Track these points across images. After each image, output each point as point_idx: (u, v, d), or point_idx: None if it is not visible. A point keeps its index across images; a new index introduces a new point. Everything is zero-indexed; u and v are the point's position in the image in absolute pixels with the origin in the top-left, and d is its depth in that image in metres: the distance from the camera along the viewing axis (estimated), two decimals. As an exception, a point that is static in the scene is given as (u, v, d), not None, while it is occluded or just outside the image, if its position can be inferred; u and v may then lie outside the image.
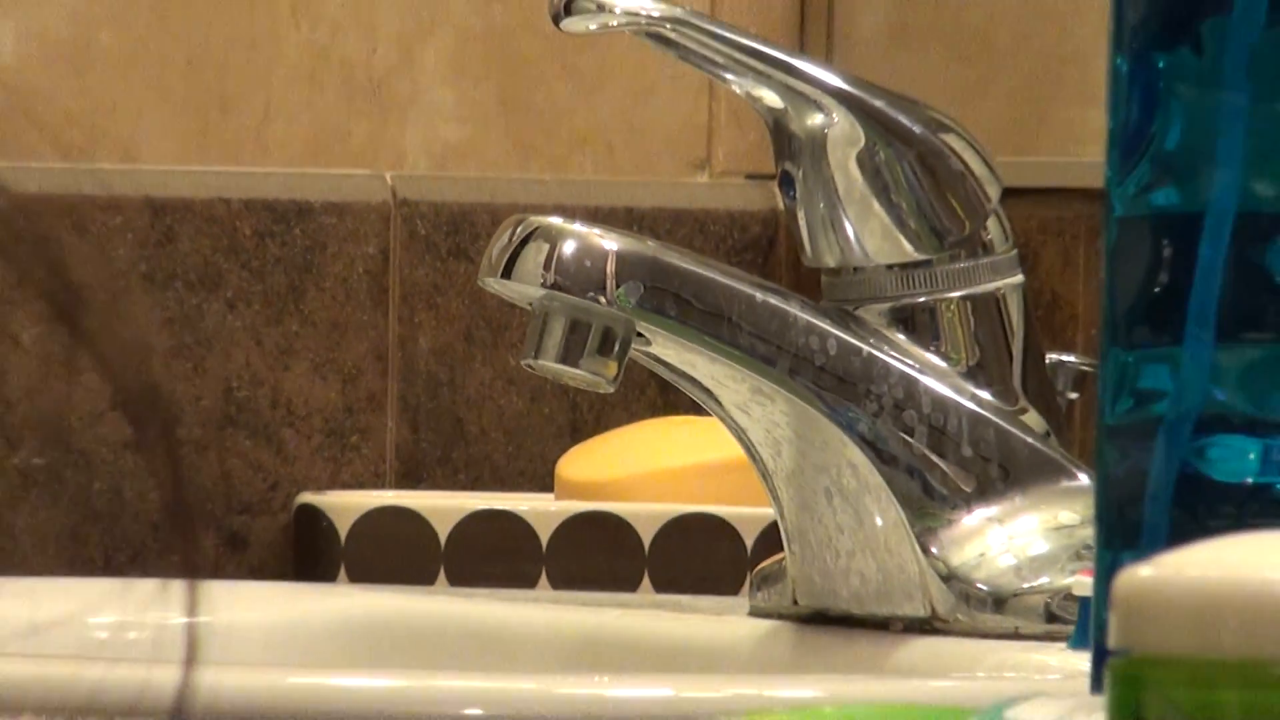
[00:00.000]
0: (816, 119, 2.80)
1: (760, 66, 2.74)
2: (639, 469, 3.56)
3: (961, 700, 2.24)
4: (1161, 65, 1.60)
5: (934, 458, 2.72)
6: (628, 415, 3.58)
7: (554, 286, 2.65)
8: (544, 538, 3.82)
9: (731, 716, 2.29)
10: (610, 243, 2.73)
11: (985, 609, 2.65)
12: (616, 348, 2.72)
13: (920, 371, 2.72)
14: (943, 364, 2.74)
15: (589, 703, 2.31)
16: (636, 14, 2.73)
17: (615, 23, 2.74)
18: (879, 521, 2.71)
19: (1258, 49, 1.58)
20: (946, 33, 3.86)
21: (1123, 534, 1.60)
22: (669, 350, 2.75)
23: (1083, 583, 2.28)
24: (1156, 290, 1.62)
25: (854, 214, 2.75)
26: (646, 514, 3.55)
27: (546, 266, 2.65)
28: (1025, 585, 2.63)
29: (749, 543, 3.44)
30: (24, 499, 3.73)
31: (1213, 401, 1.63)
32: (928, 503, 2.72)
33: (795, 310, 2.70)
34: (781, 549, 2.82)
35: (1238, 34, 1.61)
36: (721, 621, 2.92)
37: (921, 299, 2.75)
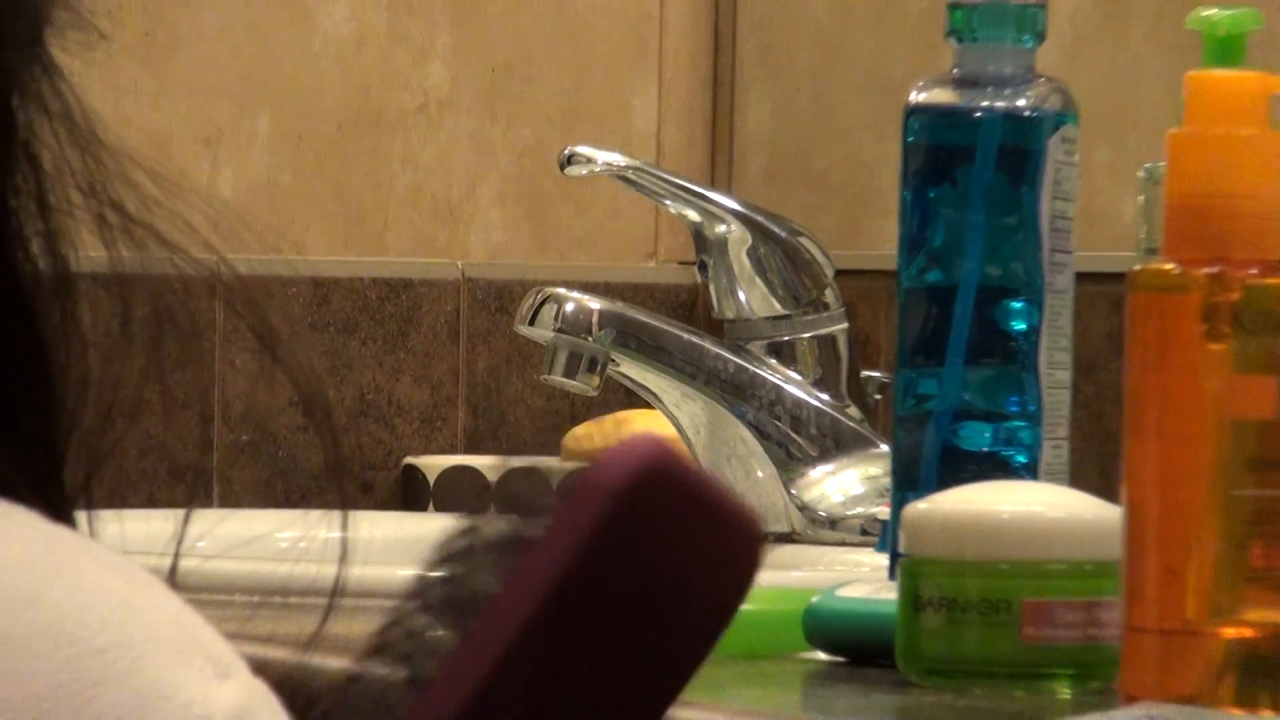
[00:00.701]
0: (721, 228, 3.61)
1: (687, 196, 3.61)
2: (612, 440, 3.74)
3: (810, 584, 2.68)
4: (931, 195, 2.57)
5: (793, 435, 3.49)
6: (605, 409, 4.17)
7: (559, 331, 3.48)
8: (554, 483, 4.74)
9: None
10: (595, 304, 3.60)
11: (825, 528, 3.43)
12: (598, 368, 3.48)
13: (785, 383, 3.52)
14: (799, 378, 3.52)
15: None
16: (611, 164, 3.59)
17: (598, 170, 3.59)
18: (760, 475, 3.46)
19: (990, 187, 2.56)
20: (802, 173, 4.48)
21: (908, 482, 2.52)
22: (631, 370, 3.56)
23: (884, 512, 2.75)
24: (928, 333, 2.61)
25: (744, 286, 3.56)
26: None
27: (555, 318, 3.53)
28: (849, 513, 3.41)
29: None
30: (238, 462, 4.47)
31: (963, 402, 2.56)
32: (789, 463, 3.50)
33: (709, 345, 3.55)
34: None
35: (978, 177, 2.56)
36: None
37: (785, 338, 3.56)
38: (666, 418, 3.46)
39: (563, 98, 4.51)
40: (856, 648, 2.34)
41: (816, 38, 4.18)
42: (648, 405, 3.60)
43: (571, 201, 4.27)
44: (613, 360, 3.40)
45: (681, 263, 4.04)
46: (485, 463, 4.22)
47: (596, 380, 3.48)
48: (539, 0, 4.77)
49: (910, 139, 2.60)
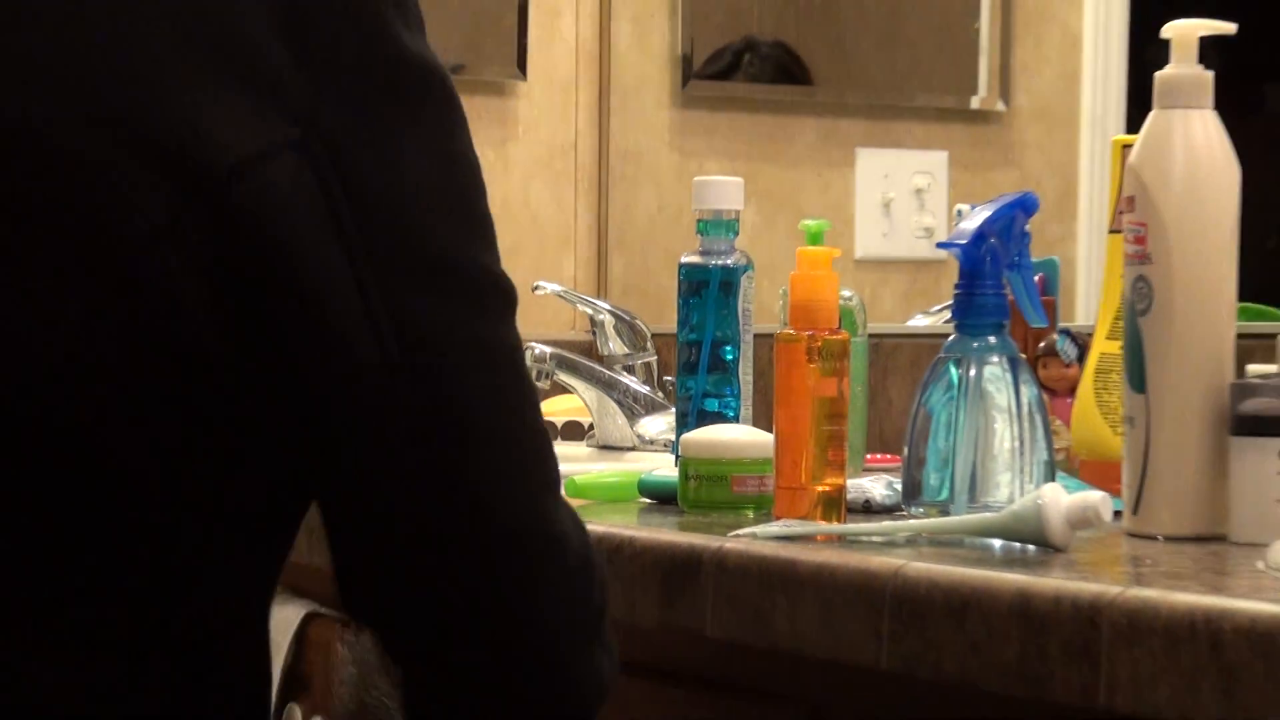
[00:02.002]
0: (601, 316, 3.41)
1: (587, 303, 3.51)
2: (554, 410, 3.56)
3: (641, 469, 2.51)
4: (692, 301, 2.54)
5: (634, 404, 3.27)
6: (547, 396, 3.47)
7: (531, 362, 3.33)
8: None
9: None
10: (546, 347, 3.27)
11: (648, 446, 3.17)
12: (546, 377, 3.24)
13: (631, 382, 3.32)
14: (637, 381, 3.34)
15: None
16: (554, 290, 3.48)
17: (549, 291, 3.45)
18: (619, 421, 3.24)
19: (715, 298, 2.48)
20: (637, 290, 3.85)
21: (684, 426, 2.59)
22: (563, 377, 3.31)
23: (671, 437, 2.73)
24: (689, 360, 2.60)
25: (612, 340, 3.37)
26: (557, 421, 3.57)
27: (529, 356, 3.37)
28: (661, 438, 3.14)
29: (584, 427, 3.52)
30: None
31: (705, 390, 2.57)
32: (632, 418, 3.24)
33: (598, 366, 3.36)
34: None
35: (711, 293, 2.52)
36: (562, 446, 3.21)
37: (630, 364, 3.37)
38: (580, 399, 3.34)
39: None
40: (660, 496, 2.34)
41: (650, 236, 3.73)
42: (567, 393, 3.38)
43: (537, 305, 3.56)
44: (555, 373, 3.23)
45: (586, 330, 3.59)
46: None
47: (547, 384, 3.29)
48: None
49: (682, 276, 2.56)
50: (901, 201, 3.33)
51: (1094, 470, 2.26)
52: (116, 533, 1.40)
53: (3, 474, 1.38)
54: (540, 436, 1.54)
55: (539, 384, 3.39)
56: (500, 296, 1.49)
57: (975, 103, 3.32)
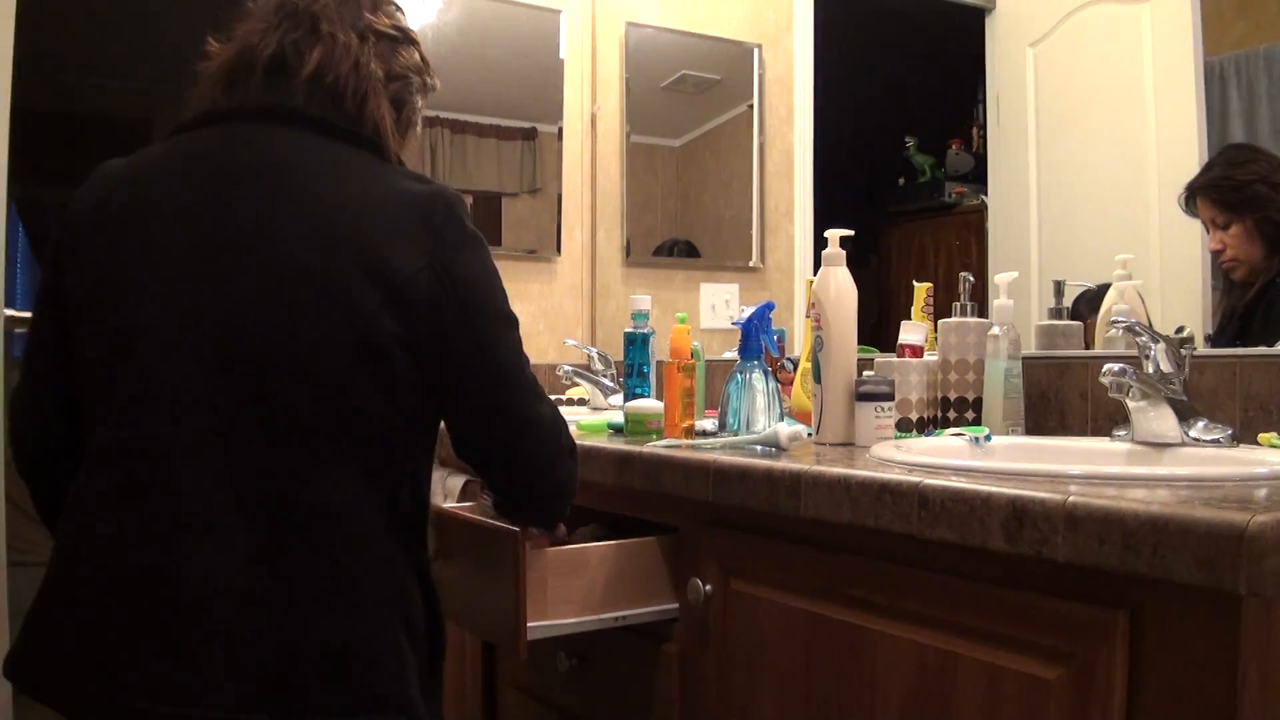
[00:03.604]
0: (593, 357, 3.09)
1: (582, 351, 3.12)
2: (573, 393, 3.24)
3: (608, 418, 2.26)
4: (634, 362, 2.59)
5: (609, 391, 2.99)
6: (566, 389, 3.25)
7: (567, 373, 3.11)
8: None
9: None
10: (569, 367, 3.08)
11: (614, 408, 2.76)
12: (569, 380, 3.05)
13: (606, 381, 3.03)
14: (609, 380, 3.03)
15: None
16: (569, 368, 3.21)
17: (568, 369, 3.29)
18: (601, 398, 2.97)
19: (643, 360, 2.45)
20: (611, 342, 3.46)
21: (627, 398, 2.31)
22: (577, 380, 3.04)
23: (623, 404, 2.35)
24: (629, 372, 2.55)
25: (600, 369, 3.08)
26: (574, 398, 3.18)
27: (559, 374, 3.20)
28: (616, 405, 2.76)
29: (586, 401, 3.09)
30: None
31: (636, 386, 2.44)
32: (607, 396, 2.98)
33: (592, 374, 3.05)
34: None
35: (640, 355, 2.35)
36: (575, 410, 2.86)
37: (606, 373, 3.06)
38: (584, 389, 3.05)
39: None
40: (617, 430, 2.17)
41: (613, 321, 3.38)
42: (578, 386, 3.14)
43: (567, 350, 3.37)
44: (572, 378, 3.03)
45: (586, 360, 3.24)
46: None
47: (570, 383, 3.11)
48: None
49: (626, 337, 2.41)
50: (719, 306, 3.21)
51: (801, 416, 2.19)
52: (373, 431, 1.38)
53: (330, 407, 1.35)
54: (531, 378, 1.52)
55: (565, 383, 3.13)
56: (515, 324, 1.50)
57: (750, 263, 3.14)
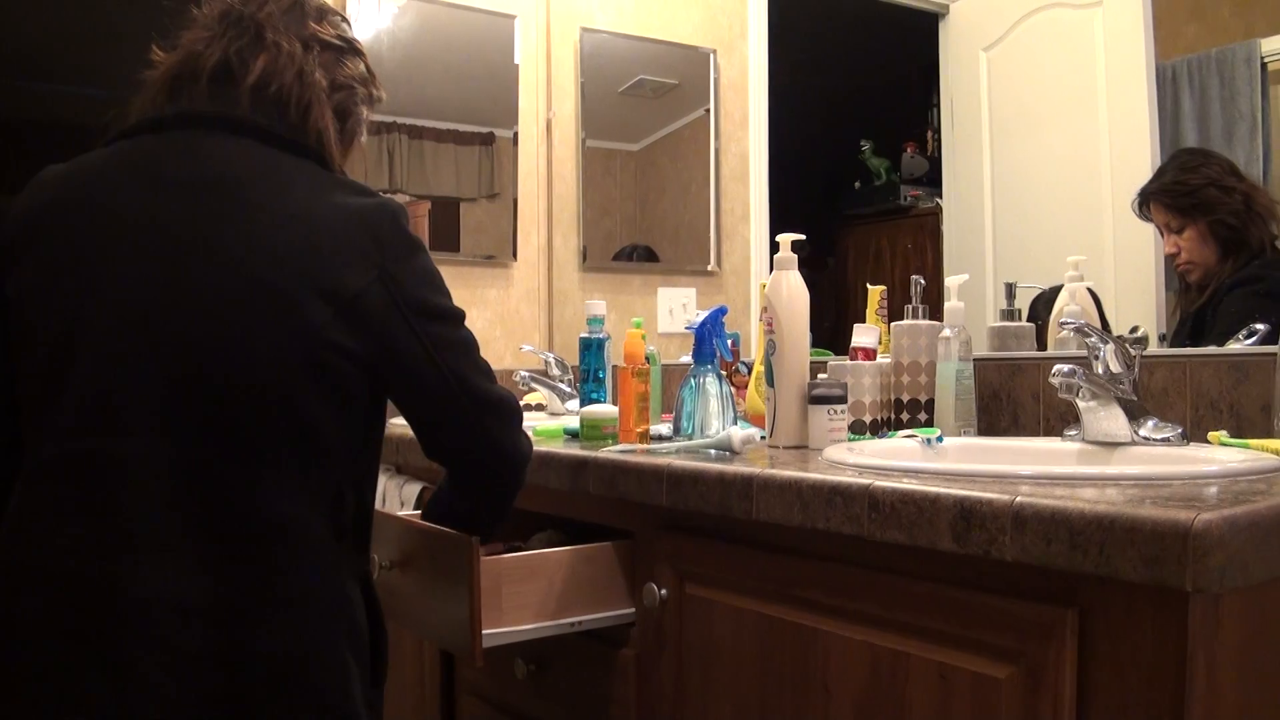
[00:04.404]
0: (549, 362, 3.04)
1: (539, 357, 3.05)
2: (531, 399, 3.16)
3: (564, 423, 2.27)
4: (588, 367, 2.44)
5: (566, 396, 2.91)
6: (524, 395, 3.19)
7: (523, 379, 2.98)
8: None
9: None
10: (527, 373, 2.95)
11: (572, 416, 2.75)
12: (526, 386, 2.94)
13: (563, 386, 2.97)
14: (566, 385, 2.96)
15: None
16: (524, 373, 3.18)
17: (524, 374, 3.08)
18: (558, 403, 2.89)
19: (598, 366, 2.22)
20: (568, 349, 3.43)
21: (584, 403, 2.17)
22: (535, 385, 2.96)
23: (578, 410, 2.18)
24: (585, 377, 2.52)
25: (558, 374, 3.02)
26: (532, 403, 3.09)
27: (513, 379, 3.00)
28: (572, 409, 2.68)
29: (544, 406, 3.05)
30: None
31: (591, 390, 2.40)
32: (564, 401, 2.90)
33: (550, 380, 2.99)
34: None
35: (596, 359, 2.33)
36: (534, 415, 2.82)
37: (564, 379, 3.02)
38: (541, 394, 3.03)
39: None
40: (574, 435, 2.17)
41: (570, 326, 3.35)
42: (535, 392, 3.08)
43: (523, 356, 3.32)
44: (530, 384, 2.93)
45: (543, 365, 3.11)
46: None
47: (527, 389, 3.05)
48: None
49: (582, 343, 2.31)
50: (677, 310, 3.20)
51: (754, 419, 2.18)
52: (320, 445, 1.38)
53: (278, 420, 1.35)
54: (481, 364, 1.51)
55: (522, 389, 3.06)
56: (460, 316, 1.50)
57: (707, 267, 3.15)
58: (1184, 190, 1.90)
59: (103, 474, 1.29)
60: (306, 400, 1.35)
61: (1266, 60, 1.81)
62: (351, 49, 1.56)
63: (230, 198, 1.36)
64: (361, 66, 1.56)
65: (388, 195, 1.46)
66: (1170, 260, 1.93)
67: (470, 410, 1.48)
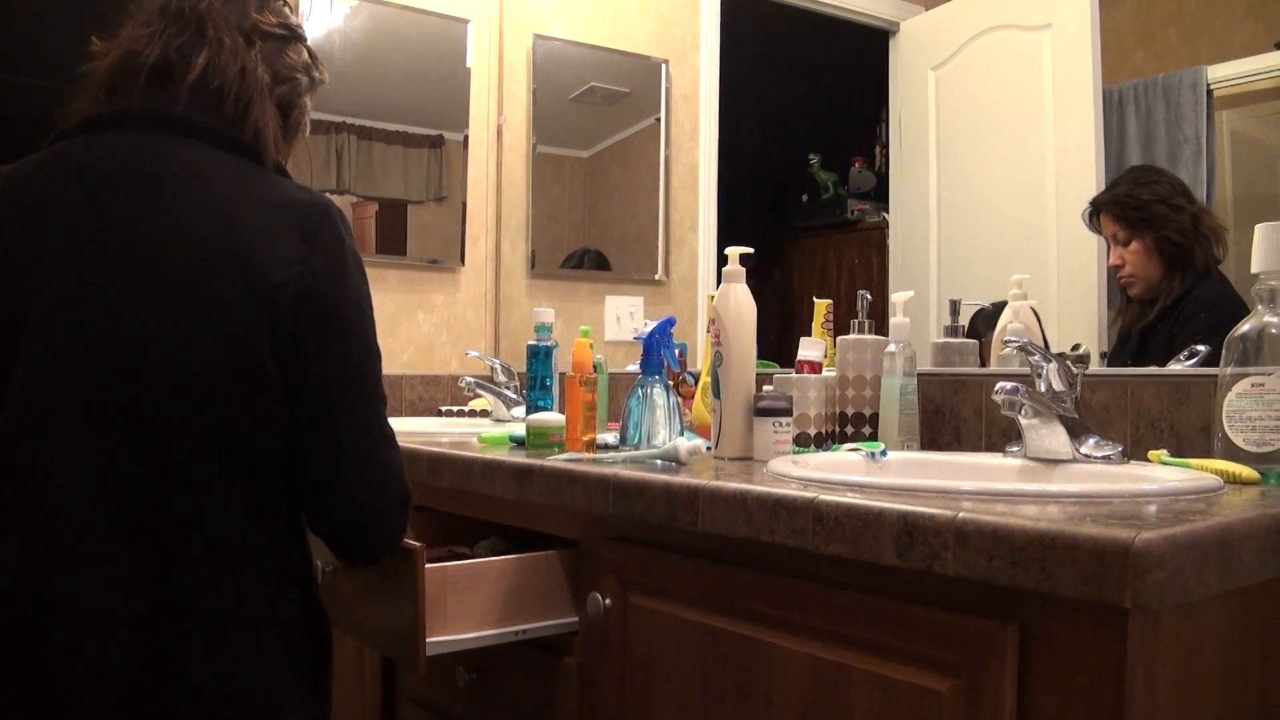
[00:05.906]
0: (496, 368, 3.00)
1: (485, 364, 2.96)
2: (476, 404, 3.16)
3: (510, 430, 2.24)
4: (535, 375, 2.48)
5: (511, 402, 2.91)
6: (469, 399, 3.22)
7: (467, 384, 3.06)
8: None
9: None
10: (472, 379, 2.94)
11: (516, 420, 2.78)
12: (472, 392, 2.95)
13: (509, 392, 2.97)
14: (512, 391, 2.94)
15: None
16: (471, 378, 3.22)
17: (470, 381, 3.15)
18: (503, 410, 2.90)
19: (546, 374, 2.40)
20: (515, 354, 3.43)
21: (530, 410, 2.34)
22: (480, 392, 2.93)
23: (524, 417, 2.20)
24: (532, 384, 2.51)
25: (504, 381, 2.98)
26: (478, 409, 3.12)
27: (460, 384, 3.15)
28: (518, 416, 2.76)
29: (489, 412, 3.06)
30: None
31: (538, 398, 2.32)
32: (510, 408, 2.90)
33: (495, 386, 2.95)
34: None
35: (543, 367, 2.43)
36: (478, 421, 2.84)
37: (510, 385, 2.99)
38: (487, 400, 2.98)
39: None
40: (519, 442, 2.14)
41: (517, 333, 3.34)
42: (481, 398, 3.08)
43: (468, 362, 3.32)
44: (475, 389, 2.90)
45: (489, 371, 3.09)
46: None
47: (473, 394, 3.06)
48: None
49: (529, 350, 2.40)
50: (624, 318, 3.18)
51: (701, 430, 2.18)
52: (249, 449, 1.35)
53: (206, 423, 1.32)
54: (384, 418, 1.45)
55: (468, 394, 3.07)
56: (378, 356, 1.44)
57: (655, 276, 3.16)
58: (1135, 204, 1.92)
59: (34, 482, 1.28)
60: (232, 403, 1.33)
61: (1213, 86, 1.83)
62: (294, 36, 1.53)
63: (163, 195, 1.35)
64: (304, 53, 1.54)
65: (332, 195, 1.42)
66: (1114, 273, 1.94)
67: (350, 471, 1.42)
